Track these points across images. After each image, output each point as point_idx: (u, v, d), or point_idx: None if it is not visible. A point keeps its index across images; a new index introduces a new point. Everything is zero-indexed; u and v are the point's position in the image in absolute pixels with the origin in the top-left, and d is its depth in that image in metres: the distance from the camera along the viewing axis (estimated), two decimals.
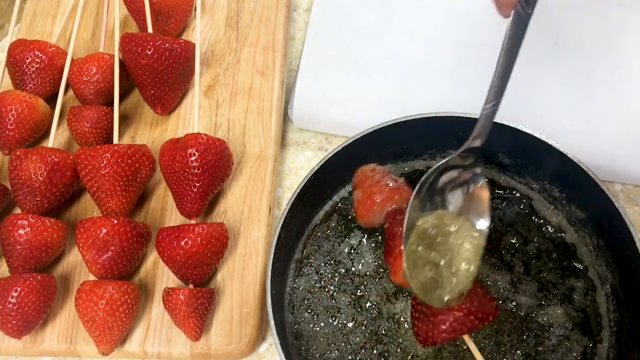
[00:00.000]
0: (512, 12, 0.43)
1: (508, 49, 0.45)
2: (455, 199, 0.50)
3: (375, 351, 0.54)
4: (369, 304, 0.56)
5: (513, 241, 0.58)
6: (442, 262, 0.46)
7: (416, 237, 0.47)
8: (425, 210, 0.48)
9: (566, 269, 0.56)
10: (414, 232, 0.47)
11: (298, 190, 0.54)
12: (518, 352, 0.53)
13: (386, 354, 0.54)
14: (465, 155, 0.49)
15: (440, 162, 0.49)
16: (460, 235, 0.47)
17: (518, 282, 0.56)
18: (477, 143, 0.49)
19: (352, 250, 0.58)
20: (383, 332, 0.55)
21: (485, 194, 0.49)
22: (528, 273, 0.56)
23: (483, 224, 0.48)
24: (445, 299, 0.45)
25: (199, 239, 0.54)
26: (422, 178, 0.48)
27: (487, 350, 0.53)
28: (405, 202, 0.49)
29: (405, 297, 0.56)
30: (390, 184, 0.52)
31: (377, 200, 0.51)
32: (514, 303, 0.55)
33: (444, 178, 0.49)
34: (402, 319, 0.55)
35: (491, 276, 0.56)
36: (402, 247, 0.46)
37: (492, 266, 0.57)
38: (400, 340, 0.54)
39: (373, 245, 0.58)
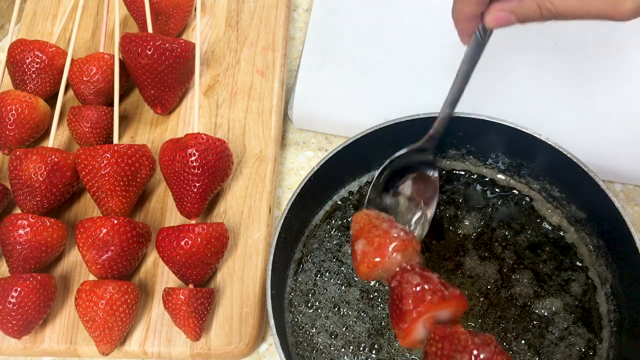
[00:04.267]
0: (472, 38, 0.49)
1: (465, 70, 0.51)
2: (406, 186, 0.57)
3: (375, 351, 0.54)
4: (369, 304, 0.56)
5: (509, 238, 0.58)
6: None
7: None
8: (382, 197, 0.56)
9: (566, 268, 0.56)
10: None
11: (298, 190, 0.54)
12: (522, 341, 0.53)
13: (387, 355, 0.54)
14: (421, 149, 0.55)
15: (395, 155, 0.55)
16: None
17: (516, 282, 0.56)
18: (434, 141, 0.55)
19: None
20: (384, 332, 0.55)
21: (435, 182, 0.56)
22: (526, 271, 0.56)
23: (429, 212, 0.56)
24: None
25: (199, 239, 0.54)
26: (379, 169, 0.55)
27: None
28: (416, 255, 0.46)
29: None
30: (401, 235, 0.45)
31: (389, 253, 0.45)
32: (518, 303, 0.55)
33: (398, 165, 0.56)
34: None
35: (489, 274, 0.56)
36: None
37: (490, 264, 0.57)
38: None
39: None
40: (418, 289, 0.43)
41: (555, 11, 0.42)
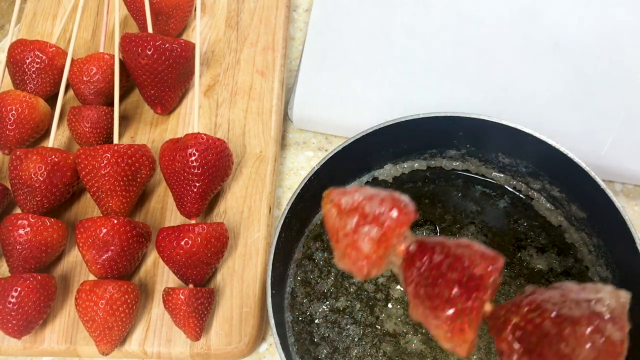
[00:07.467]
0: None
1: None
2: None
3: (376, 351, 0.54)
4: (370, 304, 0.56)
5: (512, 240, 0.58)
6: None
7: None
8: None
9: (566, 269, 0.56)
10: None
11: (298, 190, 0.54)
12: None
13: (387, 354, 0.54)
14: None
15: None
16: None
17: (516, 283, 0.56)
18: None
19: None
20: (384, 332, 0.55)
21: None
22: (525, 271, 0.56)
23: None
24: None
25: (199, 238, 0.54)
26: None
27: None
28: (404, 237, 0.37)
29: (404, 301, 0.56)
30: (372, 234, 0.36)
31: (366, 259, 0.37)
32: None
33: None
34: (403, 319, 0.55)
35: None
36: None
37: None
38: (402, 340, 0.54)
39: None
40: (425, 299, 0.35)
41: None
